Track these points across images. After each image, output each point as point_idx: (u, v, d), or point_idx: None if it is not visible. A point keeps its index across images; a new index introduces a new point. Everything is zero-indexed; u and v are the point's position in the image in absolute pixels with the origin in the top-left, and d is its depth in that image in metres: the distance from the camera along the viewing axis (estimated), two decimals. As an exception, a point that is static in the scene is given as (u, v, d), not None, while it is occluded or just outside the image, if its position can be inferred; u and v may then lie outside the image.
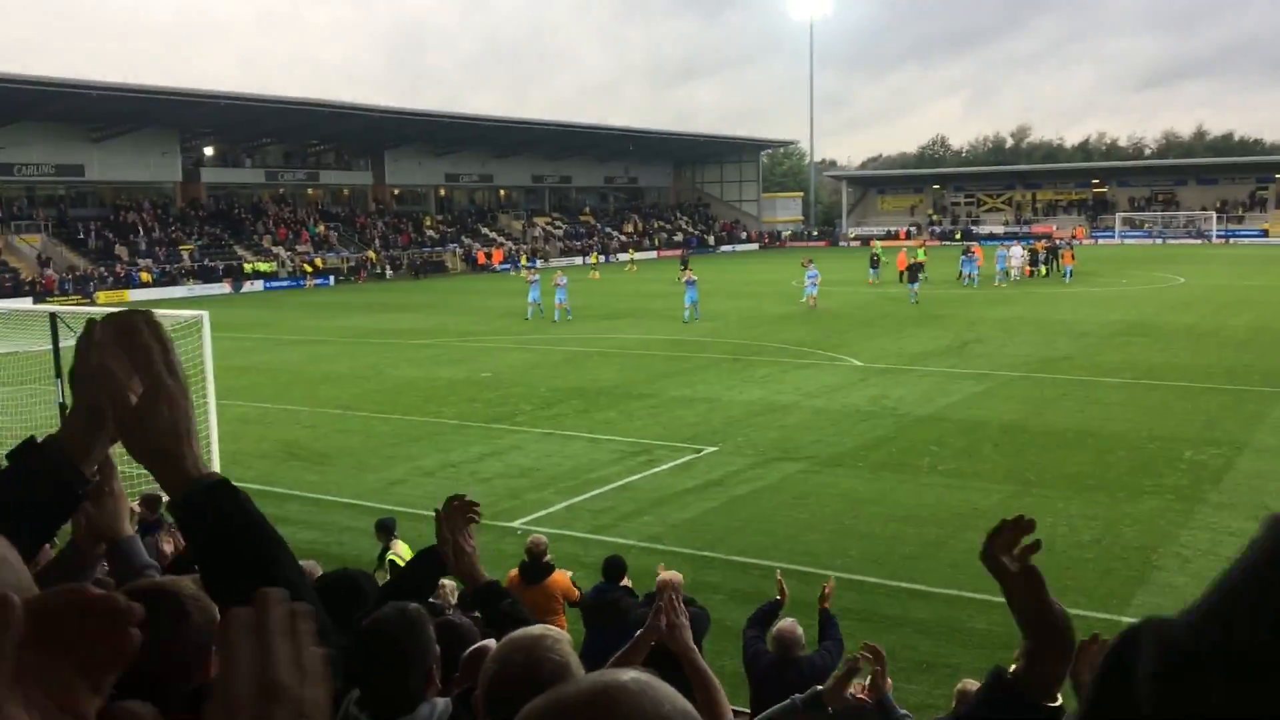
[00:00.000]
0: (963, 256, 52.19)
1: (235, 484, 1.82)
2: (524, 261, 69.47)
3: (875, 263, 53.30)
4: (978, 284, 49.24)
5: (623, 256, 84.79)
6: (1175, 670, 0.79)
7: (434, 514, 3.74)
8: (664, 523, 14.86)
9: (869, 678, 5.16)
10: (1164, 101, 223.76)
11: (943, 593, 11.98)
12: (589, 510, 15.55)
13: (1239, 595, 0.80)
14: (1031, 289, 48.30)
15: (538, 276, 42.47)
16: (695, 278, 39.62)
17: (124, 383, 1.70)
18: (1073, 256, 54.23)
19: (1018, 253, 55.53)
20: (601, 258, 75.36)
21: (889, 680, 5.64)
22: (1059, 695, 1.79)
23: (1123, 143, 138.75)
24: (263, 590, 0.92)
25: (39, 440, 1.81)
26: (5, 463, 1.86)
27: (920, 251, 48.63)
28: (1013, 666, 1.81)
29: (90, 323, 1.78)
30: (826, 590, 7.86)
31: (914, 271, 43.65)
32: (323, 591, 3.94)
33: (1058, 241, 63.56)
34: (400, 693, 2.91)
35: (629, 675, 1.14)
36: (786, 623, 7.04)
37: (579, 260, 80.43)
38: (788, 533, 14.23)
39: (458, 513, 3.62)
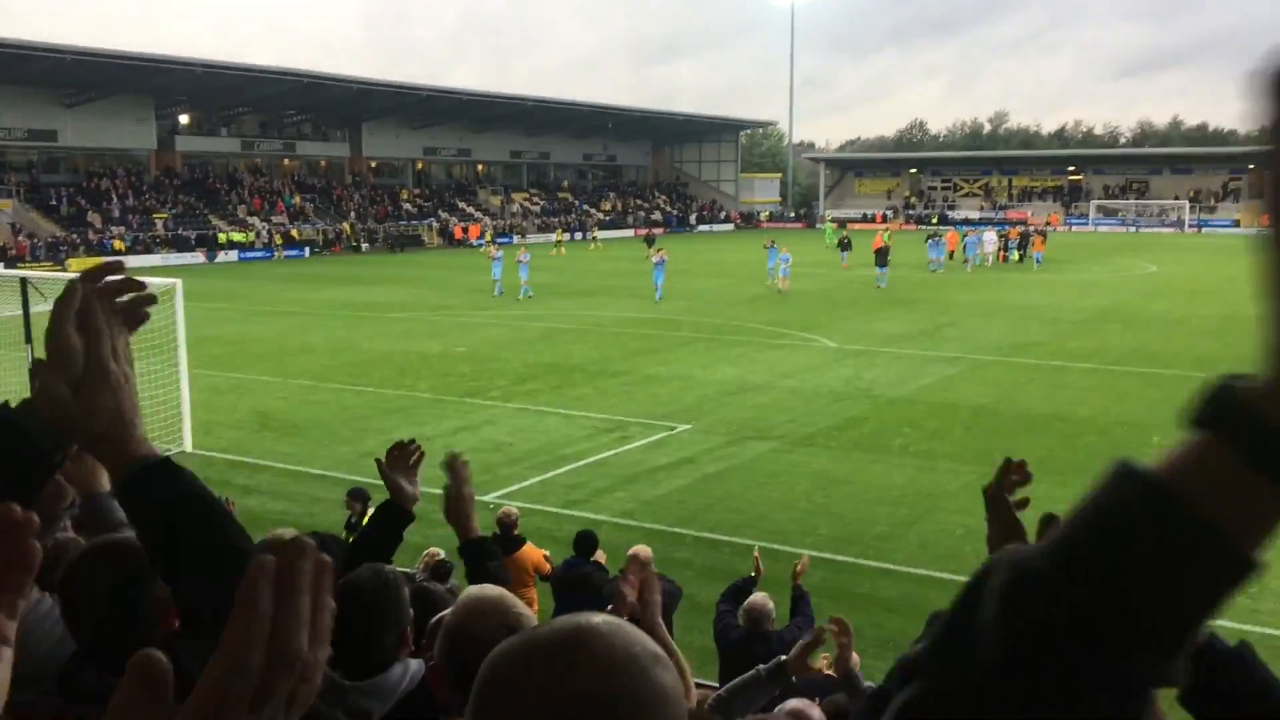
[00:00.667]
0: (929, 241, 51.72)
1: (177, 463, 1.81)
2: (487, 238, 69.06)
3: (846, 245, 53.15)
4: (944, 269, 49.17)
5: (600, 234, 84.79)
6: (1018, 581, 0.85)
7: (376, 464, 3.77)
8: (636, 499, 14.93)
9: (836, 652, 5.22)
10: (1141, 91, 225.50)
11: (911, 572, 12.12)
12: (562, 485, 15.60)
13: (1083, 523, 0.87)
14: (1004, 275, 48.57)
15: (500, 253, 42.04)
16: (665, 257, 39.10)
17: (63, 370, 1.67)
18: (1043, 243, 54.27)
19: (990, 239, 55.52)
20: (567, 235, 75.18)
21: (855, 655, 5.71)
22: None
23: (1099, 131, 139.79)
24: (295, 539, 0.89)
25: (11, 405, 1.79)
26: None
27: (887, 235, 48.53)
28: None
29: (70, 285, 1.76)
30: (799, 567, 7.95)
31: (881, 256, 43.22)
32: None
33: (1030, 228, 63.61)
34: (373, 652, 2.94)
35: (600, 618, 1.17)
36: (758, 597, 7.13)
37: (553, 237, 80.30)
38: (759, 511, 14.33)
39: (401, 458, 3.67)
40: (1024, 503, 1.87)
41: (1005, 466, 1.86)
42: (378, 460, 3.78)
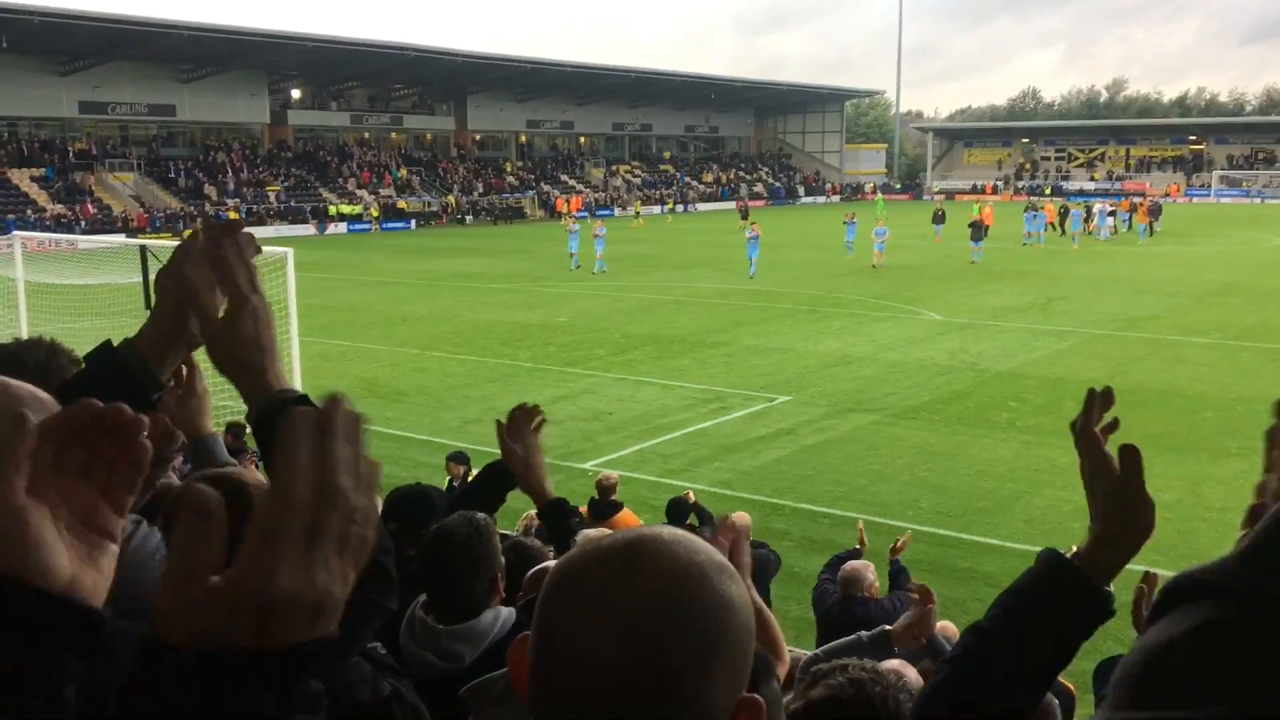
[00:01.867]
0: (1027, 214, 49.17)
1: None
2: (565, 210, 68.90)
3: (940, 218, 50.61)
4: (1039, 243, 46.98)
5: (702, 206, 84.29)
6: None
7: (495, 426, 3.69)
8: (734, 469, 14.87)
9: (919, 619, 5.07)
10: (1270, 56, 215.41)
11: (1016, 547, 11.84)
12: (659, 455, 15.61)
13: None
14: (1116, 248, 46.90)
15: (578, 227, 41.37)
16: (759, 231, 37.21)
17: (211, 295, 1.73)
18: (1147, 214, 51.64)
19: (1104, 209, 53.42)
20: (656, 207, 75.20)
21: (947, 624, 5.59)
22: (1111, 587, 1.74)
23: (1224, 98, 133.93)
24: (331, 394, 0.93)
25: (115, 344, 1.83)
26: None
27: (976, 208, 46.62)
28: (1072, 549, 1.76)
29: (193, 232, 1.81)
30: (900, 543, 7.82)
31: (977, 230, 40.73)
32: (396, 503, 4.04)
33: (1137, 199, 60.60)
34: (465, 598, 2.97)
35: (665, 529, 1.16)
36: (855, 563, 7.02)
37: (657, 209, 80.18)
38: (858, 483, 14.15)
39: (522, 421, 3.58)
40: (1113, 426, 1.78)
41: (1090, 397, 1.77)
42: (498, 422, 3.69)
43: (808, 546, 11.61)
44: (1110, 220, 52.63)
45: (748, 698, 1.10)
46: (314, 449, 0.88)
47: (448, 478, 11.43)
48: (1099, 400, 1.74)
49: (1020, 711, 1.70)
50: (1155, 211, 54.58)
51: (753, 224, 39.28)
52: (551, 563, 3.55)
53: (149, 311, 1.75)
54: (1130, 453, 1.71)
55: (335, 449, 0.89)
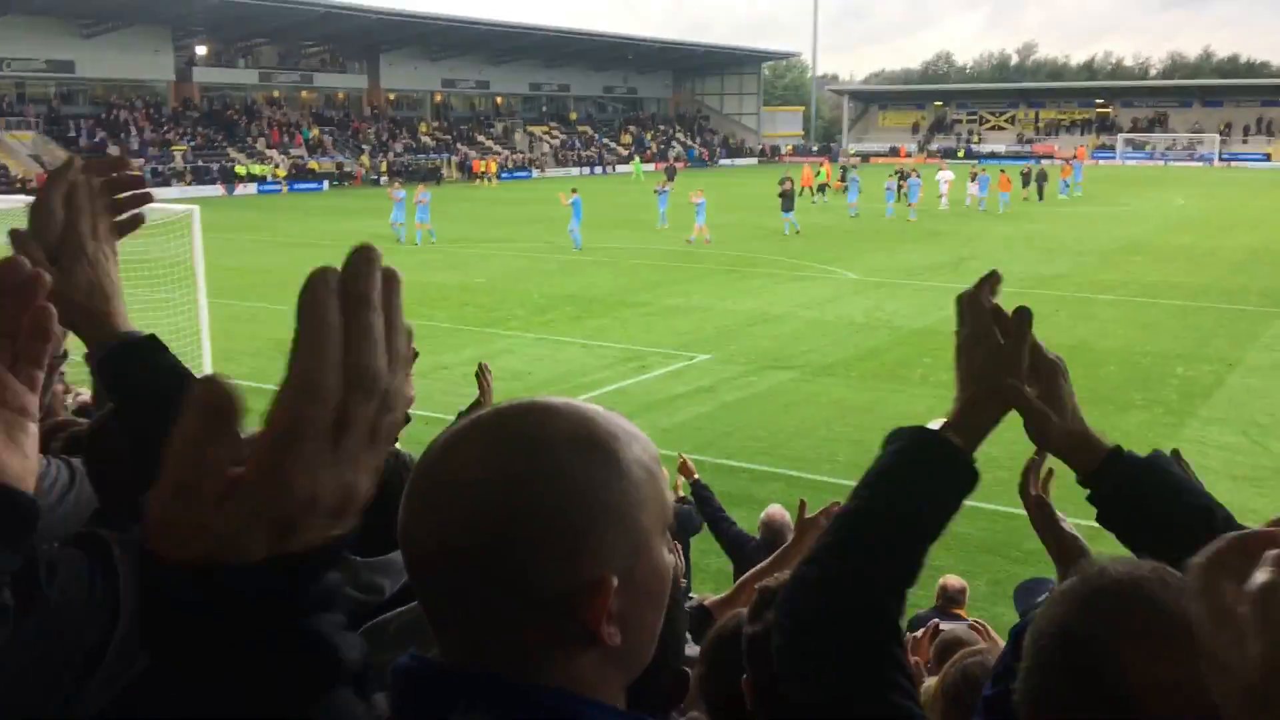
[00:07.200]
0: (890, 181, 42.98)
1: (162, 342, 1.84)
2: (385, 174, 63.63)
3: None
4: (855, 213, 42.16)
5: (621, 169, 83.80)
6: None
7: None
8: (654, 427, 14.87)
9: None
10: (1187, 21, 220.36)
11: (929, 498, 12.05)
12: (580, 413, 15.57)
13: None
14: (1029, 209, 47.66)
15: (403, 193, 37.45)
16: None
17: (39, 237, 1.68)
18: (1009, 183, 46.27)
19: (946, 177, 46.05)
20: (563, 169, 73.24)
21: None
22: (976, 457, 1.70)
23: (1129, 63, 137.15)
24: (361, 246, 0.78)
25: None
26: None
27: (823, 171, 44.52)
28: (939, 421, 1.76)
29: (68, 160, 1.78)
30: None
31: (787, 200, 36.55)
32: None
33: (1030, 166, 53.27)
34: (386, 530, 2.88)
35: (545, 401, 1.11)
36: (775, 509, 7.04)
37: (575, 171, 79.56)
38: (777, 438, 14.28)
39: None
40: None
41: (986, 276, 1.77)
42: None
43: (727, 501, 11.57)
44: (945, 189, 45.62)
45: (598, 578, 1.02)
46: (344, 327, 0.75)
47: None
48: (993, 279, 1.76)
49: (888, 598, 1.63)
50: (1028, 179, 49.86)
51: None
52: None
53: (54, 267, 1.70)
54: (1022, 313, 1.70)
55: (370, 322, 0.75)
